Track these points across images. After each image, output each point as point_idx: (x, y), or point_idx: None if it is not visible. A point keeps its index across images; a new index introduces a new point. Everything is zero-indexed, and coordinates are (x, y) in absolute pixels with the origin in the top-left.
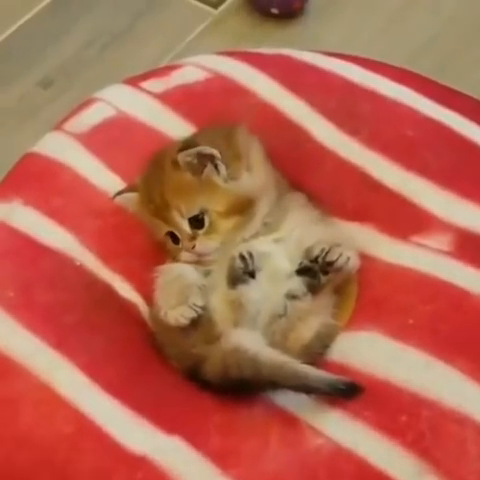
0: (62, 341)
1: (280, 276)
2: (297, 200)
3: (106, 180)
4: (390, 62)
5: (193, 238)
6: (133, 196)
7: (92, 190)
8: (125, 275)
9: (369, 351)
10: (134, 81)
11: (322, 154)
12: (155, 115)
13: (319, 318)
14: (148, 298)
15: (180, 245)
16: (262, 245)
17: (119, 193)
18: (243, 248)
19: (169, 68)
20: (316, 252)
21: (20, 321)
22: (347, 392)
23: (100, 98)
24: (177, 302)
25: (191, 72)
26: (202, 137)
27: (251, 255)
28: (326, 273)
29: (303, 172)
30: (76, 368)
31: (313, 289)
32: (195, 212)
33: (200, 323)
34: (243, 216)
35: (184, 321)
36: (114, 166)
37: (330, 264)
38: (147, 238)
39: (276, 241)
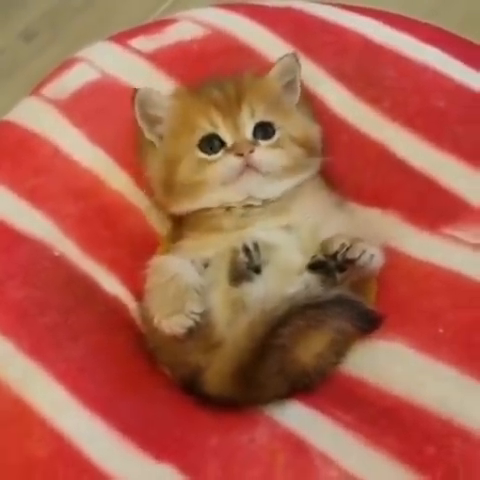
0: (37, 346)
1: (290, 271)
2: (312, 181)
3: (89, 155)
4: (409, 15)
5: (253, 145)
6: (166, 97)
7: (74, 167)
8: (111, 266)
9: (391, 365)
10: (121, 38)
11: (337, 126)
12: (145, 78)
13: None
14: (138, 293)
15: (220, 154)
16: (269, 234)
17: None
18: (248, 239)
19: (161, 23)
20: (335, 247)
21: None
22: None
23: (82, 58)
24: (172, 309)
25: (186, 28)
26: None
27: (257, 247)
28: (342, 270)
29: None
30: (53, 379)
31: (325, 287)
32: (269, 118)
33: (197, 327)
34: (306, 157)
35: (180, 331)
36: (99, 139)
37: (351, 262)
38: (138, 222)
39: (286, 229)
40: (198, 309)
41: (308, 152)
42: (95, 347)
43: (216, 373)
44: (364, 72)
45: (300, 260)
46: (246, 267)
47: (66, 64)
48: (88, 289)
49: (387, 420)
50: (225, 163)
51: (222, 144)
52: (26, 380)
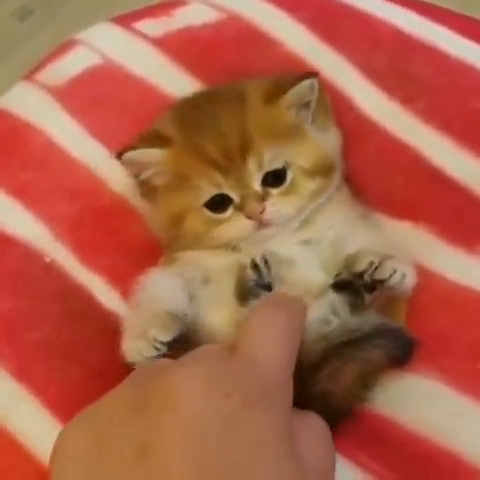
0: (25, 367)
1: (309, 291)
2: (338, 191)
3: (87, 150)
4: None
5: (263, 199)
6: (156, 152)
7: (70, 162)
8: (109, 278)
9: (423, 404)
10: (126, 20)
11: (365, 128)
12: (151, 66)
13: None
14: None
15: (229, 213)
16: (285, 248)
17: (132, 148)
18: (258, 253)
19: (169, 5)
20: (363, 266)
21: None
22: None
23: (82, 41)
24: (140, 332)
25: (198, 11)
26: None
27: (267, 262)
28: (371, 291)
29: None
30: (41, 406)
31: (353, 310)
32: (279, 164)
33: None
34: (324, 181)
35: (140, 359)
36: (98, 131)
37: (380, 282)
38: (141, 228)
39: (306, 243)
40: (164, 337)
41: (325, 174)
42: (90, 367)
43: None
44: (397, 68)
45: (321, 278)
46: (254, 285)
47: (64, 47)
48: (83, 301)
49: (421, 471)
50: (236, 225)
51: (230, 199)
52: (10, 407)
